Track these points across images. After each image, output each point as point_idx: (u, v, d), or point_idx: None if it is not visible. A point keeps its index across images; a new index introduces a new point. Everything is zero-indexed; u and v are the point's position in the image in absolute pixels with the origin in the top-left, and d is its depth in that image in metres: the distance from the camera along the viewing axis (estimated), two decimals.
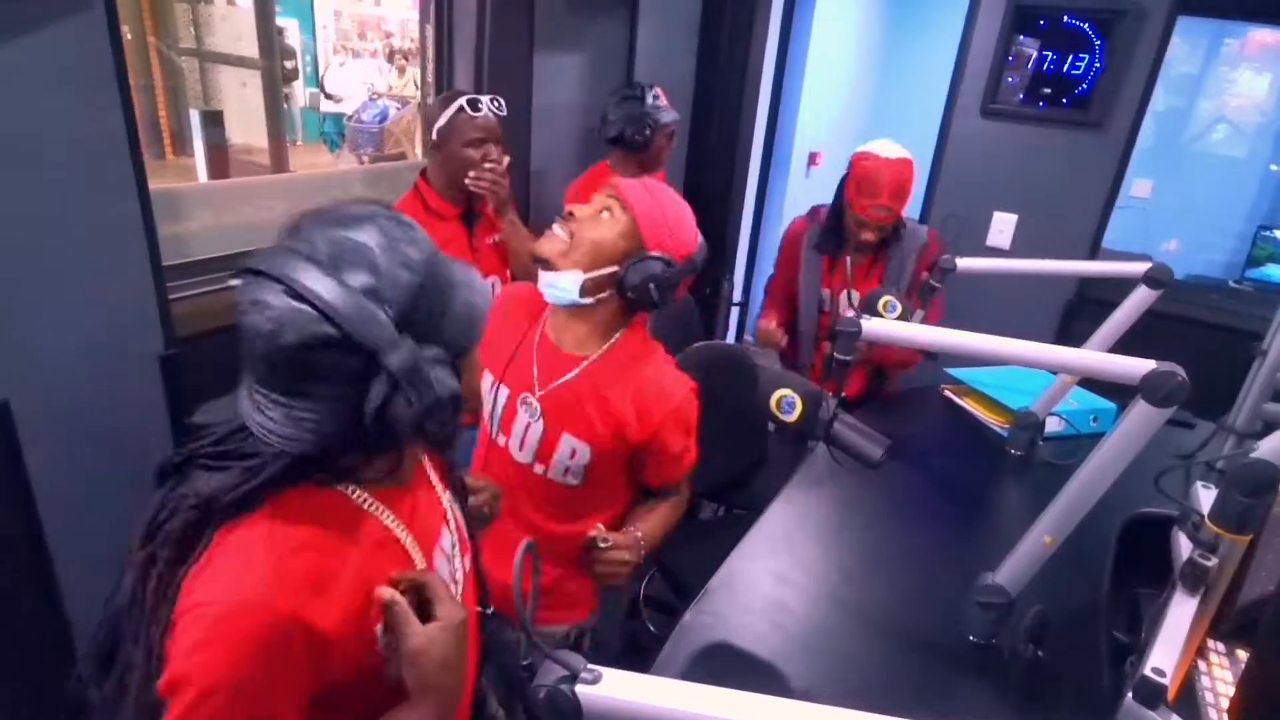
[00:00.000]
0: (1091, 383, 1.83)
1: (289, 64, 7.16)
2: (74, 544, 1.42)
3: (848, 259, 1.97)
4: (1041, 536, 1.02)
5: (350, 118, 6.42)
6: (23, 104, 1.21)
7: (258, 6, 6.21)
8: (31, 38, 1.20)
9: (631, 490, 1.34)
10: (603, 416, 1.22)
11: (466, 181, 1.73)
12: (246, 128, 6.09)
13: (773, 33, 3.13)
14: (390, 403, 0.63)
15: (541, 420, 1.24)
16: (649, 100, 2.20)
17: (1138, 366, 0.91)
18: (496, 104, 1.74)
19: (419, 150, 4.68)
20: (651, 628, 1.97)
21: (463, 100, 1.69)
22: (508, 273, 1.96)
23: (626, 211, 1.18)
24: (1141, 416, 0.91)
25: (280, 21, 7.27)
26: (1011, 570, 1.06)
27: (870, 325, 1.08)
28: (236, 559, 0.66)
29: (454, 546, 0.88)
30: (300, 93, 7.66)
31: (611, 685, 0.50)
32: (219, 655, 0.61)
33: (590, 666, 0.49)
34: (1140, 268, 1.51)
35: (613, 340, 1.24)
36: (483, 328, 0.74)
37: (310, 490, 0.71)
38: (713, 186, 3.11)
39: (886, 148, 1.94)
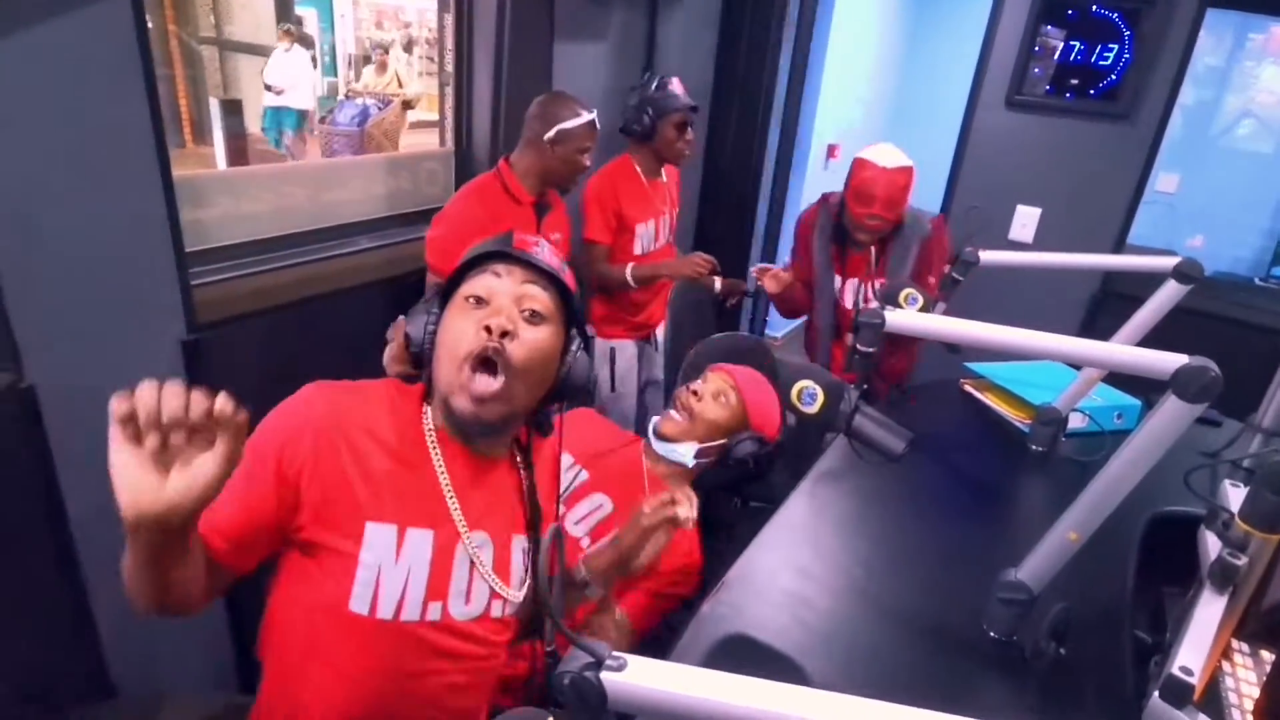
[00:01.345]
0: (1115, 378, 1.80)
1: (309, 53, 7.17)
2: (97, 527, 1.43)
3: (853, 247, 2.03)
4: (1066, 533, 1.01)
5: (324, 119, 5.97)
6: (47, 91, 1.22)
7: None
8: (56, 24, 1.20)
9: None
10: (639, 494, 1.44)
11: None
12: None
13: (791, 24, 3.10)
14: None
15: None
16: (652, 88, 2.21)
17: (1170, 361, 0.89)
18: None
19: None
20: (668, 622, 1.96)
21: (591, 117, 1.94)
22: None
23: (740, 399, 1.50)
24: (1172, 412, 0.89)
25: (299, 10, 7.29)
26: (1034, 567, 1.05)
27: (894, 317, 1.07)
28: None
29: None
30: (320, 82, 7.69)
31: (637, 673, 0.50)
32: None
33: (616, 654, 0.49)
34: (1169, 262, 1.48)
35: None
36: None
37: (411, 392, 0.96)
38: (731, 178, 3.09)
39: (886, 155, 1.95)
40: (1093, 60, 2.45)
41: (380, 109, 5.74)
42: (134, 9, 1.29)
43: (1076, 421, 1.74)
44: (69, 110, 1.25)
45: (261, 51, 6.59)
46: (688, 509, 1.09)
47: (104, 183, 1.33)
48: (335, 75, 7.87)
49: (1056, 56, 2.49)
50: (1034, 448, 1.70)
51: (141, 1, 1.31)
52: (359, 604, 0.86)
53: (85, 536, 1.42)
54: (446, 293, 0.94)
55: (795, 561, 1.27)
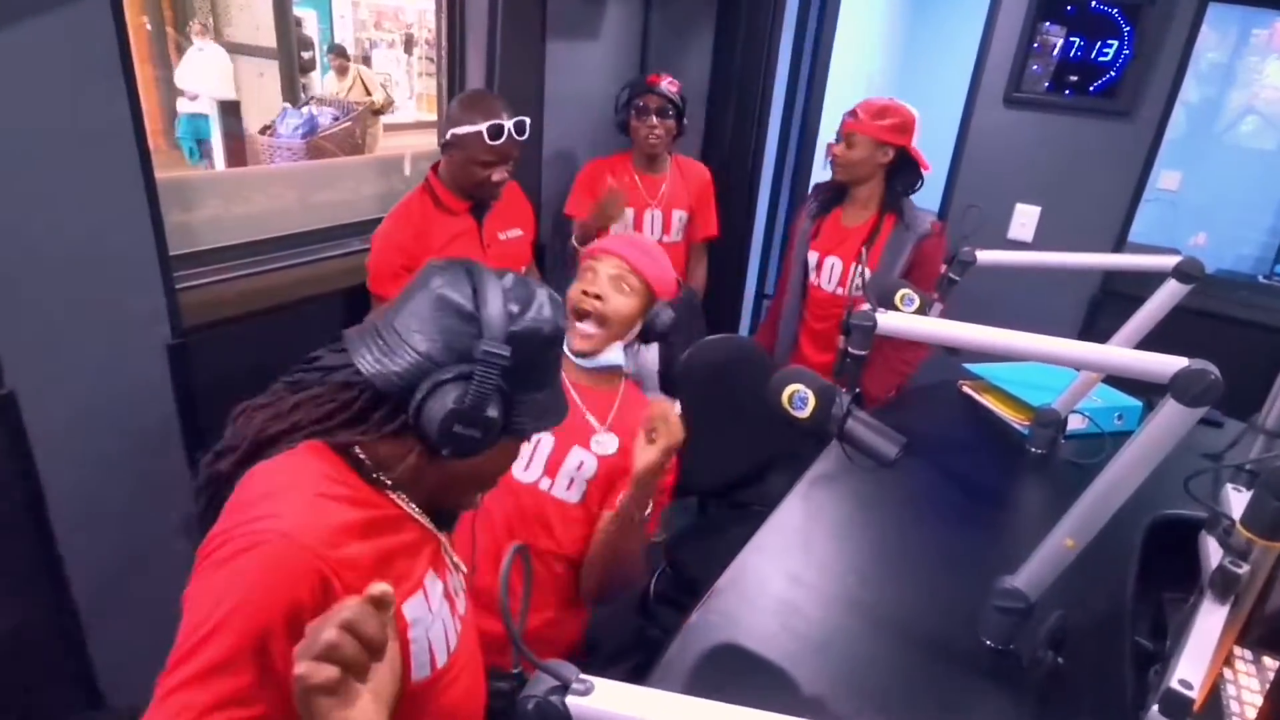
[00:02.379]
0: (1115, 378, 1.78)
1: (306, 54, 7.14)
2: (81, 534, 1.41)
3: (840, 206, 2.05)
4: (1063, 539, 0.99)
5: (267, 130, 5.12)
6: (25, 91, 1.20)
7: None
8: (33, 22, 1.18)
9: None
10: (619, 431, 1.31)
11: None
12: (264, 118, 6.11)
13: (790, 21, 3.07)
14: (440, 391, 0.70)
15: (553, 435, 1.28)
16: (632, 83, 2.23)
17: (1168, 364, 0.86)
18: (519, 127, 1.74)
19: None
20: (661, 626, 1.94)
21: (486, 126, 1.69)
22: (523, 268, 1.96)
23: (641, 278, 1.31)
24: (1171, 417, 0.87)
25: (298, 12, 7.28)
26: (1031, 574, 1.03)
27: (886, 320, 1.05)
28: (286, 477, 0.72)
29: (457, 591, 0.89)
30: (318, 83, 7.68)
31: (603, 697, 0.47)
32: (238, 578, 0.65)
33: (582, 677, 0.47)
34: (1170, 261, 1.46)
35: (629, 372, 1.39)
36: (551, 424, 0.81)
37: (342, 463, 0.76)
38: (729, 179, 3.06)
39: None
40: (1092, 56, 2.42)
41: (338, 118, 5.17)
42: (113, 7, 1.27)
43: (1076, 423, 1.72)
44: (48, 111, 1.23)
45: (260, 53, 6.58)
46: (677, 421, 1.10)
47: (85, 184, 1.31)
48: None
49: (1056, 53, 2.46)
50: (1033, 450, 1.67)
51: (121, 2, 1.29)
52: (421, 672, 0.78)
53: (70, 546, 1.41)
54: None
55: (788, 568, 1.25)
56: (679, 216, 2.41)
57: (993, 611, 1.07)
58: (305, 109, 5.24)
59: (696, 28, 2.79)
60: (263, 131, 5.20)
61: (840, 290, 2.12)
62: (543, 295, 0.77)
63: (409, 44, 8.04)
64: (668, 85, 2.24)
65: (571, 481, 1.28)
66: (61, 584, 1.42)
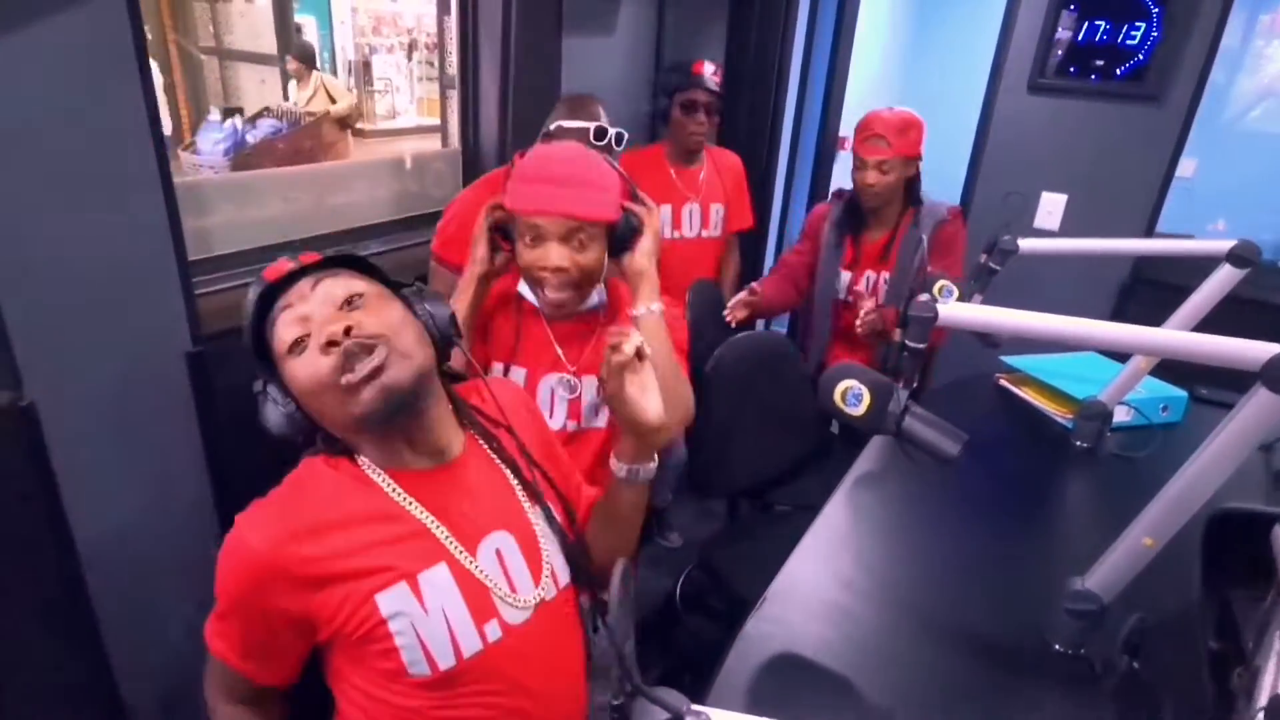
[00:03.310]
0: (1156, 368, 1.72)
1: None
2: (101, 544, 1.38)
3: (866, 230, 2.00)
4: (1140, 538, 0.94)
5: (186, 146, 4.57)
6: (40, 94, 1.16)
7: (275, 4, 6.19)
8: (47, 24, 1.14)
9: None
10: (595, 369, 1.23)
11: None
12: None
13: (803, 13, 3.03)
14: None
15: (524, 368, 1.26)
16: (672, 69, 2.15)
17: (1258, 351, 0.81)
18: (620, 139, 1.68)
19: None
20: (690, 630, 1.90)
21: (593, 126, 1.66)
22: None
23: (591, 224, 1.15)
24: (1262, 407, 0.82)
25: (298, 18, 7.25)
26: (1105, 575, 0.98)
27: (947, 310, 0.99)
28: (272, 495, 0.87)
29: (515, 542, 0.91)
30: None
31: None
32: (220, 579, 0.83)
33: (695, 708, 0.42)
34: (1223, 245, 1.40)
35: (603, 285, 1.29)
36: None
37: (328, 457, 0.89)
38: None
39: None
40: (1119, 40, 2.36)
41: (279, 130, 4.73)
42: (129, 6, 1.22)
43: (1120, 415, 1.66)
44: (63, 115, 1.19)
45: (261, 60, 6.55)
46: (630, 342, 0.92)
47: (102, 190, 1.26)
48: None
49: (1082, 36, 2.41)
50: (1078, 444, 1.62)
51: (137, 1, 1.25)
52: (417, 668, 0.82)
53: (92, 558, 1.37)
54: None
55: (838, 572, 1.20)
56: (716, 210, 2.35)
57: (1063, 615, 1.02)
58: (230, 121, 4.64)
59: (710, 20, 2.75)
60: (185, 148, 4.61)
61: (873, 299, 2.08)
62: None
63: (411, 49, 8.01)
64: (713, 76, 2.17)
65: (596, 410, 1.25)
66: (83, 596, 1.38)
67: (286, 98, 5.95)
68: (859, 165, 1.96)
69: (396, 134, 7.64)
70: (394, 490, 0.86)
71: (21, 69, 1.13)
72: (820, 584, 1.17)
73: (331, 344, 0.80)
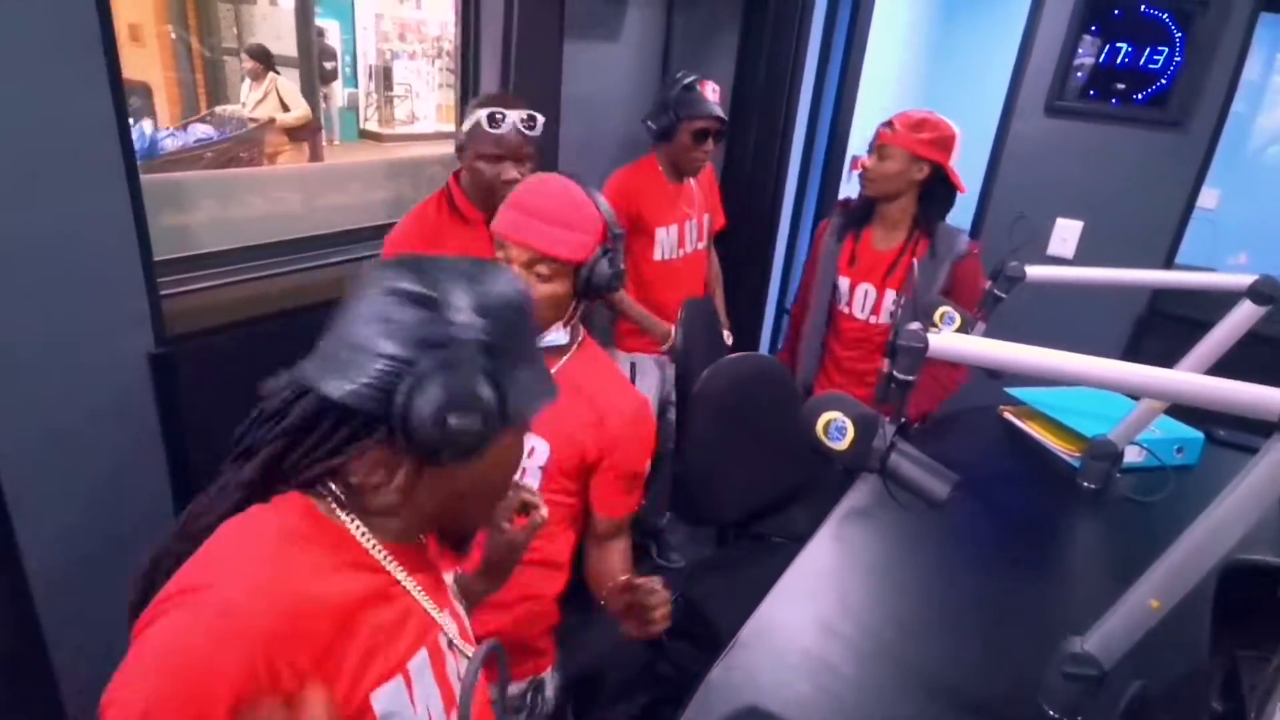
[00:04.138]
0: (1171, 407, 1.63)
1: (329, 65, 7.14)
2: (51, 555, 1.32)
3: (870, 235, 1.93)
4: (1145, 599, 0.85)
5: None
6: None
7: (298, 7, 6.22)
8: (7, 12, 1.10)
9: (577, 528, 1.24)
10: (568, 412, 1.11)
11: None
12: None
13: (817, 26, 2.97)
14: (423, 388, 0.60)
15: None
16: (678, 89, 2.07)
17: (1278, 399, 0.73)
18: (528, 121, 1.59)
19: None
20: (673, 662, 1.81)
21: (484, 114, 1.56)
22: None
23: (553, 260, 1.10)
24: None
25: (321, 23, 7.30)
26: (1105, 637, 0.89)
27: (939, 341, 0.92)
28: (232, 553, 0.61)
29: (457, 635, 0.76)
30: (339, 93, 7.68)
31: None
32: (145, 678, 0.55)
33: None
34: (1243, 280, 1.32)
35: (580, 337, 1.21)
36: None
37: (317, 514, 0.65)
38: (751, 191, 2.95)
39: None
40: (1141, 63, 2.28)
41: (217, 136, 4.35)
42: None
43: (1131, 455, 1.57)
44: (18, 102, 1.14)
45: (281, 62, 6.60)
46: (538, 510, 0.89)
47: (61, 183, 1.21)
48: (356, 86, 7.88)
49: (1103, 59, 2.33)
50: (1085, 484, 1.53)
51: None
52: None
53: (41, 575, 1.31)
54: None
55: (819, 617, 1.12)
56: (705, 220, 2.31)
57: (1058, 677, 0.93)
58: (139, 125, 4.19)
59: (721, 30, 2.69)
60: None
61: (874, 319, 1.99)
62: (502, 271, 0.68)
63: (436, 56, 8.05)
64: (716, 99, 2.11)
65: (524, 471, 1.15)
66: (31, 614, 1.32)
67: (314, 100, 5.95)
68: (871, 150, 1.91)
69: (414, 139, 7.65)
70: (388, 561, 0.69)
71: None
72: (797, 629, 1.09)
73: None
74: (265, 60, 4.99)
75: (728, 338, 2.38)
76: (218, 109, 5.15)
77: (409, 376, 0.59)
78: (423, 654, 0.70)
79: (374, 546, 0.67)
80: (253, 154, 4.51)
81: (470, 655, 0.74)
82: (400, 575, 0.69)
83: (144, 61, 5.87)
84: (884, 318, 1.97)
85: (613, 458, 1.16)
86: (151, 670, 0.54)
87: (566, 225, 1.10)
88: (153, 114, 4.80)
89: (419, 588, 0.70)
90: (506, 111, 1.57)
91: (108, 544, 1.41)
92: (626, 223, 2.07)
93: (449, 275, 0.63)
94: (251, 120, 4.67)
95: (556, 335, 1.17)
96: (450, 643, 0.73)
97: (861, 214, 1.99)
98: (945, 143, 1.82)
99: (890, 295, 1.97)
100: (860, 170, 1.96)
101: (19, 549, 1.28)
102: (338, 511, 0.66)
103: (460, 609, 0.81)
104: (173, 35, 6.28)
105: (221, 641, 0.53)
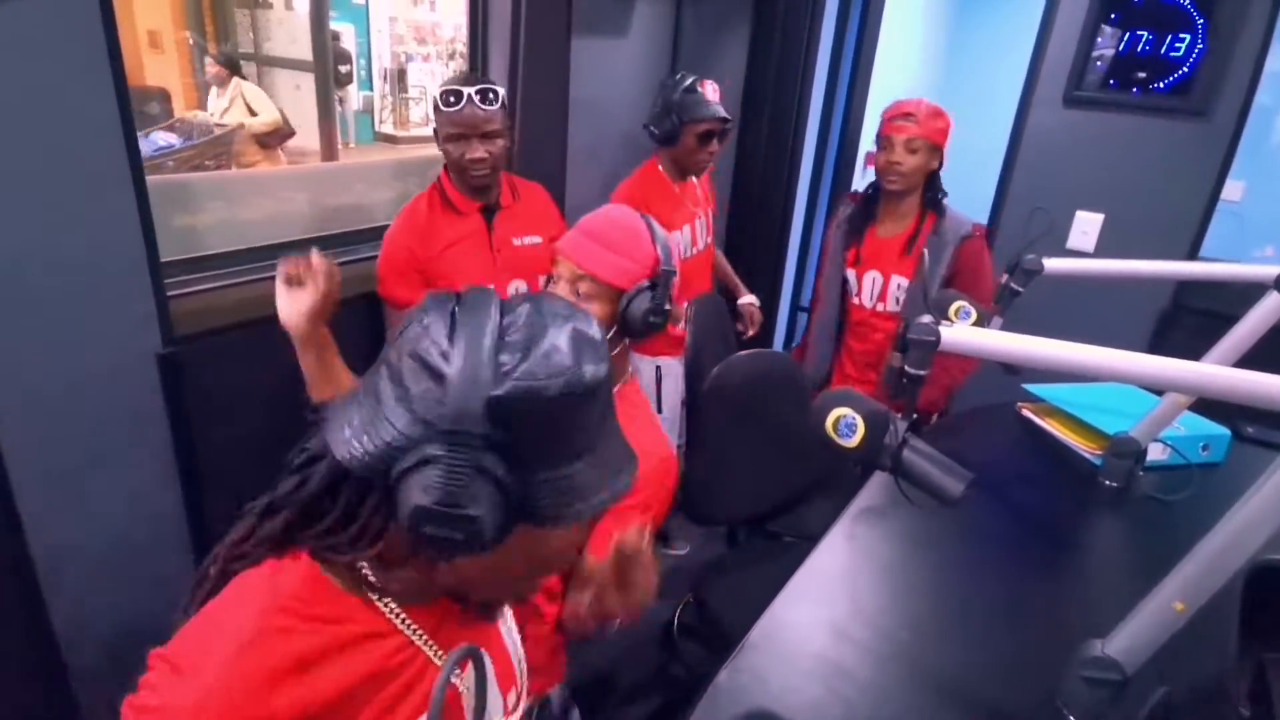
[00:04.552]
0: (1196, 402, 1.58)
1: (344, 68, 7.18)
2: (59, 554, 1.32)
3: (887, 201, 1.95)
4: (1170, 601, 0.82)
5: None
6: (3, 87, 1.11)
7: (313, 11, 6.25)
8: (11, 12, 1.10)
9: None
10: None
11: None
12: (300, 131, 6.13)
13: (829, 21, 2.93)
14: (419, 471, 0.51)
15: None
16: (679, 92, 2.04)
17: None
18: (483, 95, 1.58)
19: None
20: (685, 662, 1.79)
21: (440, 92, 1.58)
22: (539, 280, 1.84)
23: (593, 279, 1.10)
24: None
25: (336, 26, 7.36)
26: (1129, 641, 0.86)
27: (951, 334, 0.89)
28: (227, 622, 0.57)
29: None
30: (354, 96, 7.73)
31: None
32: None
33: None
34: (1270, 271, 1.27)
35: (625, 377, 1.18)
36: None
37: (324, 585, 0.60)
38: (763, 189, 2.92)
39: None
40: (1162, 51, 2.23)
41: (174, 147, 4.13)
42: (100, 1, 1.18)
43: (1155, 453, 1.53)
44: (23, 104, 1.14)
45: (297, 66, 6.65)
46: (638, 538, 0.86)
47: (68, 186, 1.22)
48: (371, 89, 7.93)
49: (1123, 47, 2.27)
50: (1107, 483, 1.49)
51: None
52: None
53: (50, 575, 1.31)
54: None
55: (831, 620, 1.09)
56: (708, 216, 2.29)
57: (1078, 682, 0.90)
58: None
59: (731, 26, 2.67)
60: None
61: (881, 306, 1.98)
62: (559, 335, 0.53)
63: (451, 58, 8.08)
64: (718, 98, 2.08)
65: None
66: (40, 610, 1.32)
67: (328, 104, 5.96)
68: (885, 146, 1.89)
69: (428, 140, 7.65)
70: (408, 627, 0.63)
71: None
72: (809, 631, 1.06)
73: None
74: (231, 66, 4.83)
75: (753, 300, 2.34)
76: (186, 115, 5.02)
77: (411, 456, 0.51)
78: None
79: (391, 611, 0.62)
80: (220, 161, 4.33)
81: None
82: (418, 639, 0.63)
83: (163, 68, 5.95)
84: (890, 305, 1.97)
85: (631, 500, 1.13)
86: None
87: (614, 249, 1.11)
88: (171, 118, 4.87)
89: (438, 650, 0.65)
90: (461, 88, 1.57)
91: (117, 543, 1.41)
92: None
93: (475, 343, 0.51)
94: (219, 126, 4.50)
95: None
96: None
97: (869, 207, 2.00)
98: (949, 126, 1.88)
99: (895, 281, 1.96)
100: (878, 166, 1.94)
101: (29, 549, 1.28)
102: (350, 580, 0.60)
103: (513, 647, 0.77)
104: (190, 41, 6.37)
105: None
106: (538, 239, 1.81)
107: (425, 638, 0.63)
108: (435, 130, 1.64)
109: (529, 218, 1.80)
